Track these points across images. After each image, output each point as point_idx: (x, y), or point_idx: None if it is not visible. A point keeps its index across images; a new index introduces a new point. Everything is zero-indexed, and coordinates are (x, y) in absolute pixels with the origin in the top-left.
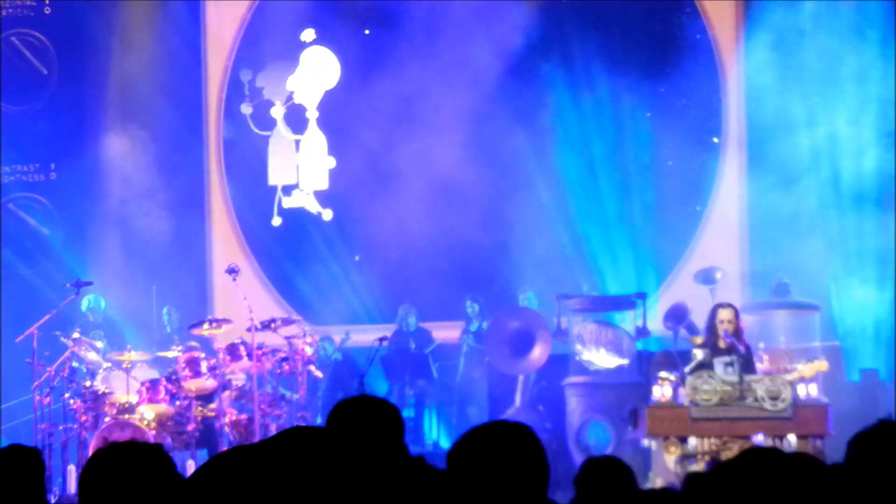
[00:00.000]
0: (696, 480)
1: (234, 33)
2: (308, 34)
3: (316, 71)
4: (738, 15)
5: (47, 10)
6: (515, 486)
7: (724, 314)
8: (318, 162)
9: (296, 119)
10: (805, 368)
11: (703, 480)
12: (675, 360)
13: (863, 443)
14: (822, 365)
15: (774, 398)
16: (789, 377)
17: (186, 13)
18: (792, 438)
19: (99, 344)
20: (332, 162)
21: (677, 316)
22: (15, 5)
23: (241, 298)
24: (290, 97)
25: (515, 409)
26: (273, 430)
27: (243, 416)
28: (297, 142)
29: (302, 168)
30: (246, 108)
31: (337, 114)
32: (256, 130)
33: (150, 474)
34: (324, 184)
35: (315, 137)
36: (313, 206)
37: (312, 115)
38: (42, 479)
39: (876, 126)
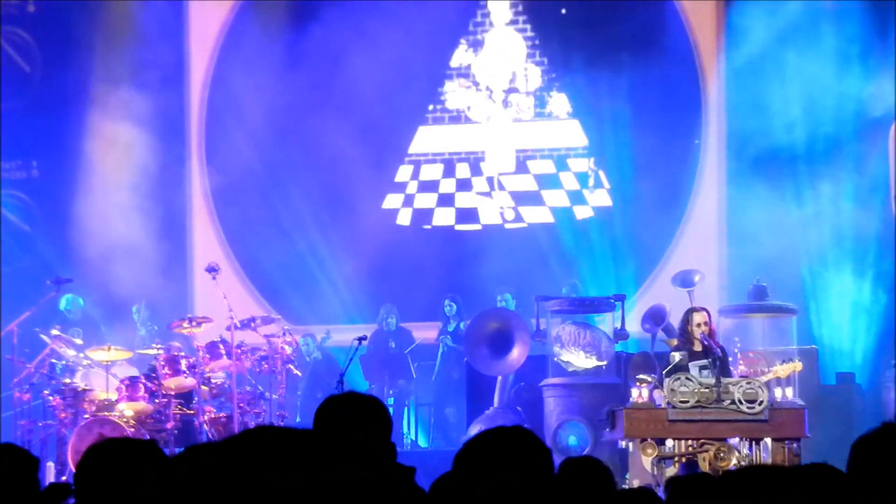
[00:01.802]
0: (678, 485)
1: (217, 33)
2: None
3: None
4: (719, 18)
5: (31, 9)
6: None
7: (697, 318)
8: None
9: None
10: (780, 369)
11: (686, 485)
12: (653, 362)
13: (865, 446)
14: (796, 366)
15: (751, 401)
16: (764, 378)
17: (170, 13)
18: (768, 441)
19: (78, 341)
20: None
21: (655, 318)
22: None
23: (222, 297)
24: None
25: (494, 409)
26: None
27: (222, 415)
28: None
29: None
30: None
31: (318, 113)
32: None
33: (147, 470)
34: (511, 167)
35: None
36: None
37: (498, 97)
38: (36, 485)
39: (856, 128)
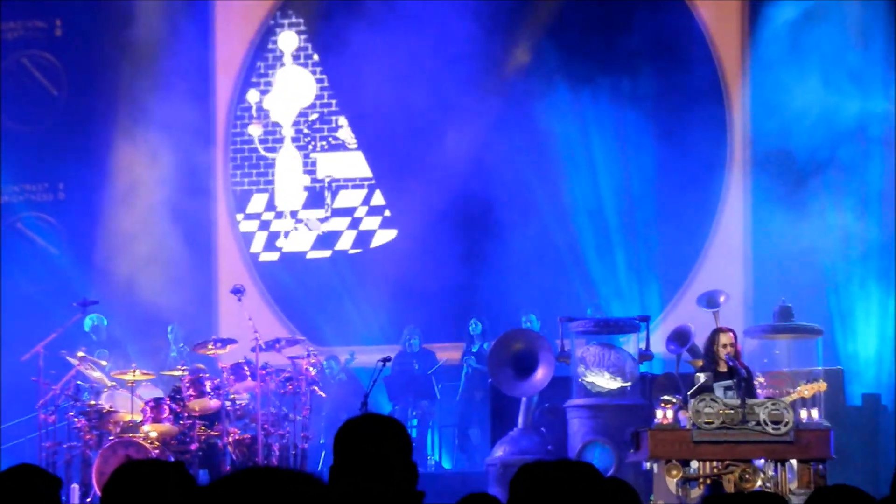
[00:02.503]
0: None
1: (243, 55)
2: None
3: (292, 89)
4: (743, 38)
5: (58, 32)
6: None
7: (723, 339)
8: (293, 181)
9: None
10: (804, 389)
11: None
12: (678, 382)
13: None
14: (821, 385)
15: (776, 422)
16: (789, 398)
17: (195, 34)
18: (794, 463)
19: (103, 363)
20: (306, 180)
21: (680, 339)
22: (26, 27)
23: (246, 318)
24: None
25: (518, 430)
26: (276, 449)
27: (246, 436)
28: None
29: (278, 188)
30: (255, 129)
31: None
32: (263, 152)
33: (172, 491)
34: (298, 204)
35: (290, 156)
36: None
37: (288, 133)
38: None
39: (881, 143)
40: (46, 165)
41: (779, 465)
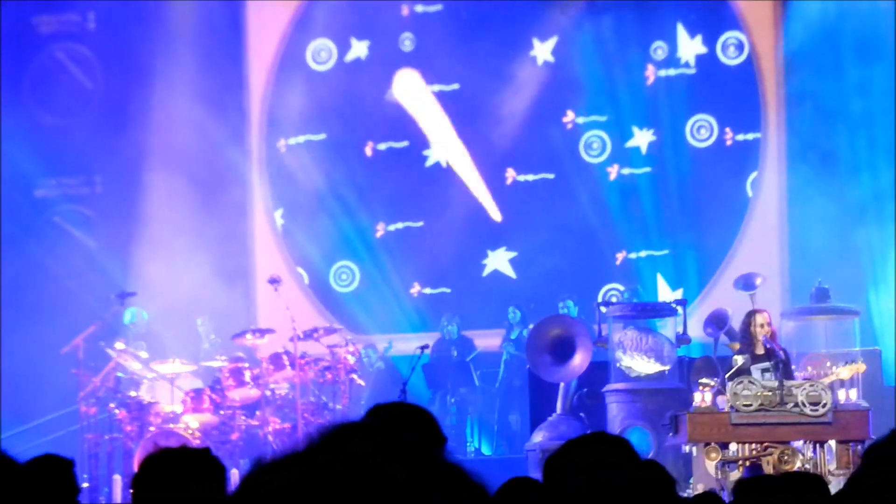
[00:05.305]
0: (744, 488)
1: (276, 42)
2: None
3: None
4: (776, 22)
5: (91, 25)
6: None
7: (759, 319)
8: None
9: None
10: (842, 370)
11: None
12: (716, 366)
13: None
14: (859, 367)
15: (815, 403)
16: (827, 379)
17: (230, 29)
18: (832, 444)
19: (143, 354)
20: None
21: (717, 322)
22: (59, 20)
23: (284, 308)
24: None
25: (557, 416)
26: None
27: (286, 426)
28: None
29: None
30: None
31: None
32: None
33: (200, 478)
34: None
35: None
36: None
37: None
38: (74, 490)
39: None
40: (82, 158)
41: (818, 446)
